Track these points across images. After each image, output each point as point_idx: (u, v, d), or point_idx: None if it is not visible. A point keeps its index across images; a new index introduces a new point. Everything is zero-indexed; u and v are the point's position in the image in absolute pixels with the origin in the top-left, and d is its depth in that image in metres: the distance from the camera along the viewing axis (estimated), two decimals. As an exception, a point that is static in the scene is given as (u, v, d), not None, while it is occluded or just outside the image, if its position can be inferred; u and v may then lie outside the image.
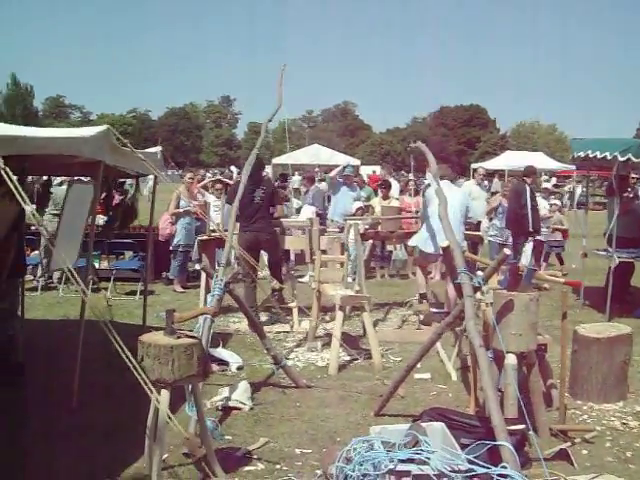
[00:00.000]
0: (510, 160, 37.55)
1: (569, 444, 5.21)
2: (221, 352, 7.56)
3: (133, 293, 11.48)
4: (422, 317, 9.42)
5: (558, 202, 13.50)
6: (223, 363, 7.41)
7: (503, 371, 5.19)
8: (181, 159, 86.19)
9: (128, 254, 13.02)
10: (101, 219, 8.76)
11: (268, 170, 19.99)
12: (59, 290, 11.46)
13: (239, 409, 6.08)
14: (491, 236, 11.76)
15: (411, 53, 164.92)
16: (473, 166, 36.64)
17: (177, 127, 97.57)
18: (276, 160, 39.70)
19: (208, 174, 34.52)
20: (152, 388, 3.97)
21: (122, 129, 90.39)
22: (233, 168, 51.97)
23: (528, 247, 11.09)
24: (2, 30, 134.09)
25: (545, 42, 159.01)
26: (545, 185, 14.24)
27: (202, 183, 13.79)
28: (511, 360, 5.08)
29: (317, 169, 36.45)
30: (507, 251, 4.88)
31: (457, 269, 5.24)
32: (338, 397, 6.53)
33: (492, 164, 35.96)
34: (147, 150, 7.41)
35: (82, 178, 7.04)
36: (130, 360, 3.90)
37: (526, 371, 5.40)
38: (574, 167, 43.51)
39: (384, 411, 6.02)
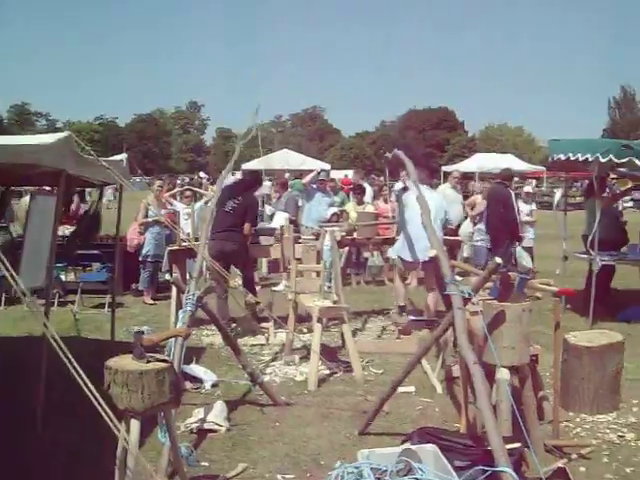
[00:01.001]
0: (480, 162, 37.60)
1: (565, 461, 4.95)
2: (194, 369, 7.19)
3: (101, 306, 11.05)
4: (401, 327, 9.14)
5: (534, 207, 13.26)
6: (197, 380, 7.05)
7: (495, 386, 4.90)
8: (150, 166, 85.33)
9: (96, 265, 12.57)
10: (67, 229, 8.36)
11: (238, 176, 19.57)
12: (24, 304, 10.98)
13: (215, 431, 5.73)
14: (477, 241, 11.52)
15: (379, 56, 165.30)
16: (444, 169, 36.62)
17: (145, 134, 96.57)
18: (246, 166, 39.44)
19: (177, 181, 34.05)
20: (118, 426, 3.59)
21: (89, 136, 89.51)
22: (202, 174, 51.53)
23: (522, 251, 10.90)
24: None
25: (514, 44, 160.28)
26: (527, 189, 14.03)
27: (171, 192, 13.38)
28: (504, 375, 4.79)
29: (287, 174, 36.26)
30: (499, 260, 4.59)
31: (445, 279, 4.95)
32: (319, 415, 6.19)
33: (462, 166, 35.92)
34: (112, 158, 7.05)
35: (46, 188, 6.66)
36: (88, 387, 3.52)
37: (518, 384, 5.12)
38: (544, 168, 43.89)
39: (369, 429, 5.71)
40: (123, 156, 7.06)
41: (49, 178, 5.98)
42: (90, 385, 3.61)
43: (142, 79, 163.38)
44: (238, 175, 19.54)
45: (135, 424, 3.88)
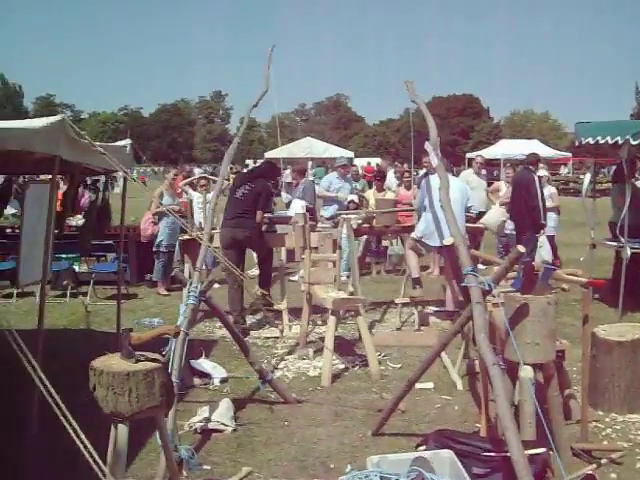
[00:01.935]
0: (506, 149, 37.11)
1: (595, 466, 4.57)
2: (203, 364, 6.88)
3: (114, 298, 10.78)
4: (420, 315, 8.75)
5: (554, 189, 12.70)
6: (205, 376, 6.74)
7: (518, 385, 4.52)
8: (174, 155, 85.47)
9: (110, 256, 12.32)
10: (79, 220, 8.05)
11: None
12: (36, 297, 10.76)
13: (220, 431, 5.41)
14: (511, 230, 11.00)
15: (403, 44, 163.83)
16: (469, 155, 36.13)
17: (169, 123, 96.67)
18: (269, 154, 39.22)
19: (198, 170, 33.81)
20: (87, 443, 3.24)
21: (114, 127, 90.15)
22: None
23: (545, 241, 10.40)
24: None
25: (538, 29, 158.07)
26: (543, 173, 13.44)
27: (186, 181, 13.05)
28: (527, 373, 4.39)
29: (310, 162, 35.95)
30: (522, 248, 4.20)
31: (463, 269, 4.56)
32: (332, 413, 5.85)
33: (487, 153, 35.43)
34: (115, 144, 6.71)
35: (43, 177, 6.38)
36: (47, 390, 3.20)
37: (543, 383, 4.73)
38: (570, 154, 43.18)
39: (383, 429, 5.36)
40: (127, 142, 6.70)
41: (41, 165, 5.66)
42: (50, 388, 3.28)
43: (166, 69, 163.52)
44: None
45: (123, 429, 3.57)
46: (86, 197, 7.32)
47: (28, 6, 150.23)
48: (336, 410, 5.91)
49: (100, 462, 3.08)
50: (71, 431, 3.15)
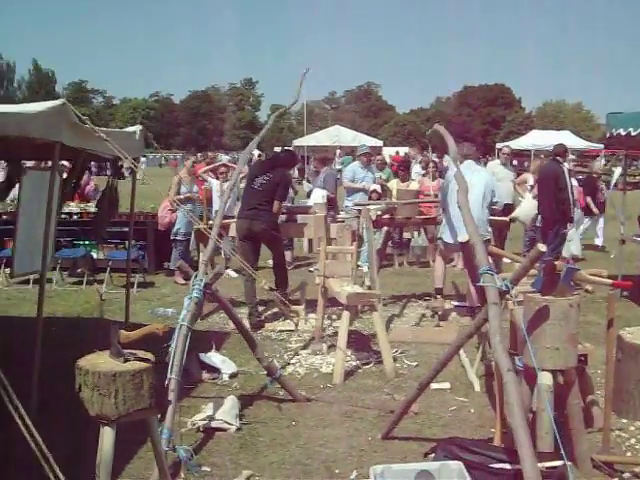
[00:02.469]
0: (537, 139, 36.44)
1: (616, 480, 4.29)
2: (213, 357, 6.68)
3: (131, 285, 10.61)
4: (440, 313, 8.48)
5: (575, 183, 12.31)
6: (214, 370, 6.54)
7: (536, 392, 4.25)
8: (203, 142, 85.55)
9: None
10: (79, 207, 7.89)
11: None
12: (52, 283, 10.67)
13: (224, 430, 5.20)
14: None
15: (434, 33, 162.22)
16: (498, 146, 35.57)
17: (199, 110, 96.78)
18: (297, 142, 39.02)
19: (226, 157, 33.65)
20: (46, 453, 3.02)
21: (145, 113, 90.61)
22: (255, 150, 51.20)
23: (575, 235, 10.04)
24: (22, 16, 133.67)
25: (570, 19, 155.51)
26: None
27: (208, 167, 12.82)
28: (546, 380, 4.12)
29: (338, 151, 35.68)
30: (542, 247, 3.91)
31: (479, 268, 4.29)
32: (342, 413, 5.60)
33: (518, 144, 34.88)
34: (125, 129, 6.51)
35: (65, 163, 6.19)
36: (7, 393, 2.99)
37: (564, 389, 4.44)
38: (602, 146, 42.46)
39: (394, 432, 5.11)
40: (137, 127, 6.48)
41: (65, 152, 5.47)
42: (10, 391, 3.07)
43: (197, 56, 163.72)
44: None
45: (109, 432, 3.37)
46: (91, 185, 7.13)
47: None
48: (346, 410, 5.66)
49: (56, 468, 2.85)
50: (26, 433, 2.94)
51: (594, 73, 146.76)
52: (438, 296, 8.40)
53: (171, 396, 4.48)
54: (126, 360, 3.45)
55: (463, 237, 4.86)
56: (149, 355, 3.56)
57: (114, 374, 3.32)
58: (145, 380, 3.39)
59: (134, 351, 3.55)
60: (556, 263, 4.24)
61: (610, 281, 4.44)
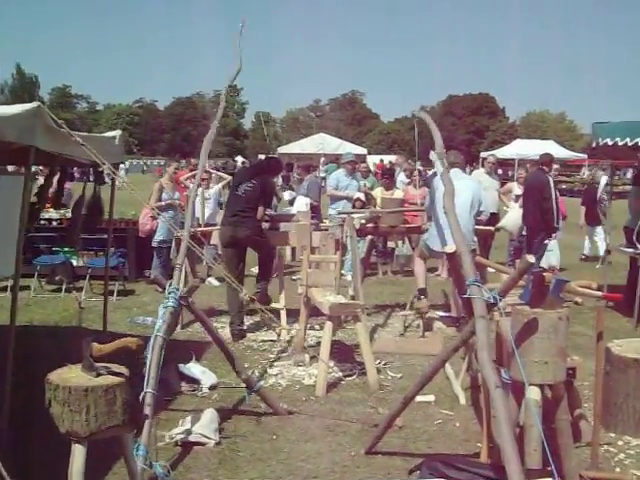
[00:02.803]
0: (520, 149, 36.61)
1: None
2: (192, 368, 6.52)
3: (111, 293, 10.44)
4: (425, 314, 8.31)
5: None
6: (194, 381, 6.38)
7: (524, 407, 4.12)
8: (188, 149, 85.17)
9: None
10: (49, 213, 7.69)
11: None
12: (30, 290, 10.46)
13: (202, 444, 5.04)
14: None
15: (419, 41, 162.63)
16: (483, 155, 35.69)
17: (184, 117, 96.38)
18: (282, 149, 38.93)
19: (210, 161, 33.46)
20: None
21: (129, 119, 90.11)
22: (238, 158, 51.00)
23: (555, 246, 9.98)
24: (5, 20, 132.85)
25: (554, 29, 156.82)
26: None
27: (190, 174, 12.65)
28: (534, 395, 3.99)
29: (323, 158, 35.63)
30: (531, 258, 3.80)
31: (466, 279, 4.16)
32: (324, 427, 5.46)
33: (502, 153, 34.97)
34: (104, 134, 6.34)
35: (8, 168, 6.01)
36: None
37: (552, 404, 4.32)
38: (585, 156, 42.69)
39: (377, 447, 4.97)
40: (117, 133, 6.33)
41: (40, 157, 5.31)
42: None
43: (182, 63, 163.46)
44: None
45: (78, 451, 3.22)
46: (66, 190, 6.95)
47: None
48: (329, 424, 5.52)
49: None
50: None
51: (577, 83, 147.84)
52: (422, 297, 8.22)
53: (147, 410, 4.32)
54: (99, 374, 3.31)
55: (450, 248, 4.72)
56: (123, 369, 3.42)
57: (85, 389, 3.18)
58: (118, 395, 3.25)
59: (108, 365, 3.40)
60: (545, 275, 4.12)
61: (600, 293, 4.33)
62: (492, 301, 3.94)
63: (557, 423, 4.29)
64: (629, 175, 37.77)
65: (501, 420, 3.26)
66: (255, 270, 10.98)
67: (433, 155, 6.85)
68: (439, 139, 6.74)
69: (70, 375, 3.30)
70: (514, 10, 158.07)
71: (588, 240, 14.45)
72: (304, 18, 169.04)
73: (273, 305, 8.42)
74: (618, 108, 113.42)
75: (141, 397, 4.31)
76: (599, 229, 13.61)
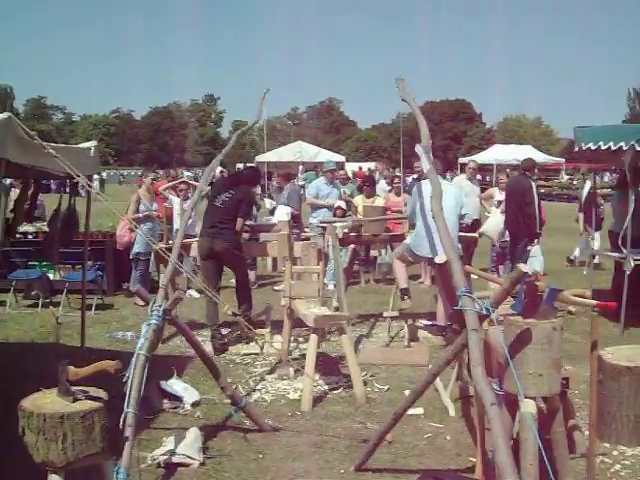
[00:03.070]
0: (498, 154, 36.79)
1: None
2: (174, 385, 6.32)
3: (89, 308, 10.20)
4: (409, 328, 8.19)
5: None
6: (176, 399, 6.19)
7: (519, 421, 3.98)
8: (165, 159, 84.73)
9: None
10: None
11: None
12: (6, 306, 10.21)
13: (186, 465, 4.86)
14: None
15: (395, 48, 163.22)
16: (461, 160, 35.82)
17: (160, 126, 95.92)
18: (260, 158, 38.73)
19: (188, 173, 33.22)
20: None
21: (105, 129, 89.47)
22: (217, 167, 50.77)
23: (538, 251, 9.90)
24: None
25: (530, 35, 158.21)
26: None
27: (169, 184, 12.44)
28: (530, 408, 3.86)
29: (301, 166, 35.49)
30: (524, 267, 3.67)
31: (457, 289, 4.03)
32: (311, 444, 5.29)
33: (481, 158, 35.08)
34: (78, 145, 6.16)
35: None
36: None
37: (546, 416, 4.19)
38: (562, 160, 42.96)
39: (367, 464, 4.81)
40: (92, 144, 6.15)
41: (12, 170, 5.12)
42: None
43: (158, 72, 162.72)
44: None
45: (56, 481, 3.04)
46: (39, 202, 6.75)
47: (20, 7, 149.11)
48: (316, 440, 5.35)
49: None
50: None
51: (553, 89, 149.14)
52: (405, 297, 8.05)
53: (128, 432, 4.13)
54: (76, 399, 3.13)
55: (441, 258, 4.59)
56: (102, 392, 3.24)
57: (61, 416, 3.00)
58: (97, 421, 3.08)
59: (85, 388, 3.22)
60: (538, 284, 4.00)
61: (594, 302, 4.21)
62: (484, 312, 3.81)
63: (552, 435, 4.17)
64: (606, 179, 38.11)
65: (498, 437, 3.11)
66: (232, 282, 10.84)
67: (419, 148, 6.62)
68: (425, 128, 6.51)
69: (45, 401, 3.12)
70: (490, 17, 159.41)
71: (584, 245, 14.39)
72: (281, 26, 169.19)
73: (258, 331, 8.20)
74: (593, 112, 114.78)
75: (122, 418, 4.14)
76: (597, 235, 13.61)
